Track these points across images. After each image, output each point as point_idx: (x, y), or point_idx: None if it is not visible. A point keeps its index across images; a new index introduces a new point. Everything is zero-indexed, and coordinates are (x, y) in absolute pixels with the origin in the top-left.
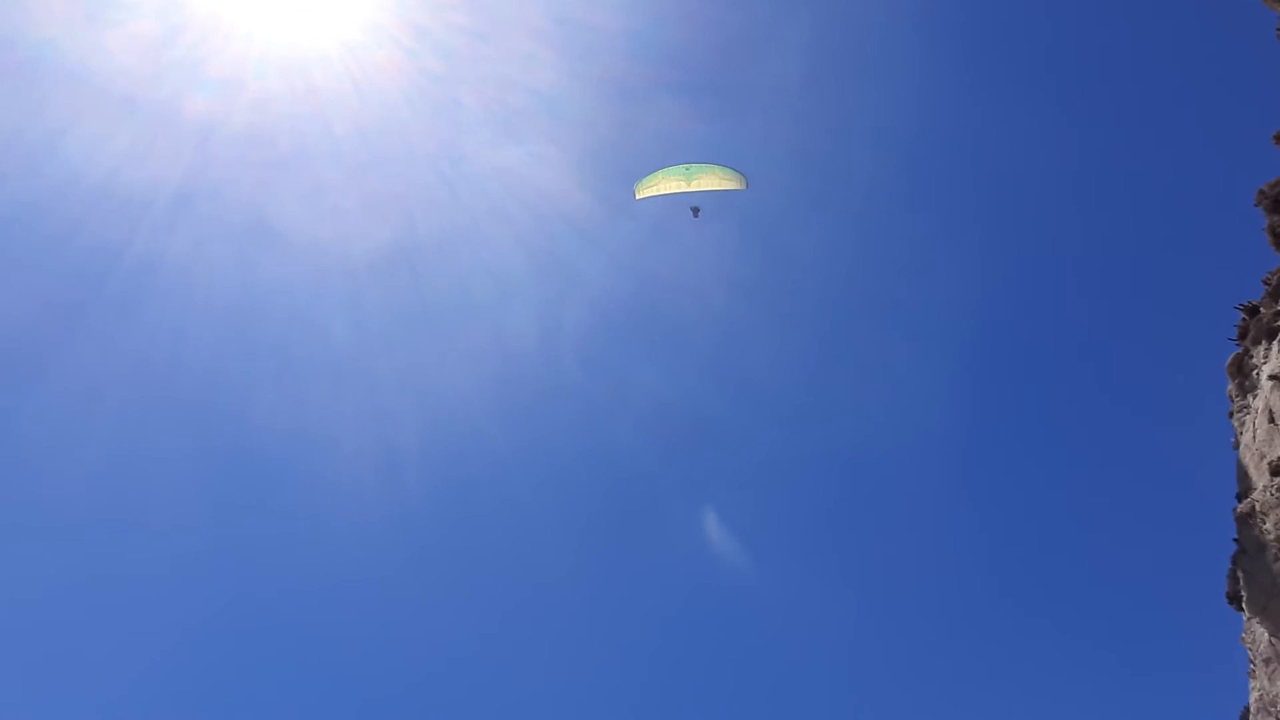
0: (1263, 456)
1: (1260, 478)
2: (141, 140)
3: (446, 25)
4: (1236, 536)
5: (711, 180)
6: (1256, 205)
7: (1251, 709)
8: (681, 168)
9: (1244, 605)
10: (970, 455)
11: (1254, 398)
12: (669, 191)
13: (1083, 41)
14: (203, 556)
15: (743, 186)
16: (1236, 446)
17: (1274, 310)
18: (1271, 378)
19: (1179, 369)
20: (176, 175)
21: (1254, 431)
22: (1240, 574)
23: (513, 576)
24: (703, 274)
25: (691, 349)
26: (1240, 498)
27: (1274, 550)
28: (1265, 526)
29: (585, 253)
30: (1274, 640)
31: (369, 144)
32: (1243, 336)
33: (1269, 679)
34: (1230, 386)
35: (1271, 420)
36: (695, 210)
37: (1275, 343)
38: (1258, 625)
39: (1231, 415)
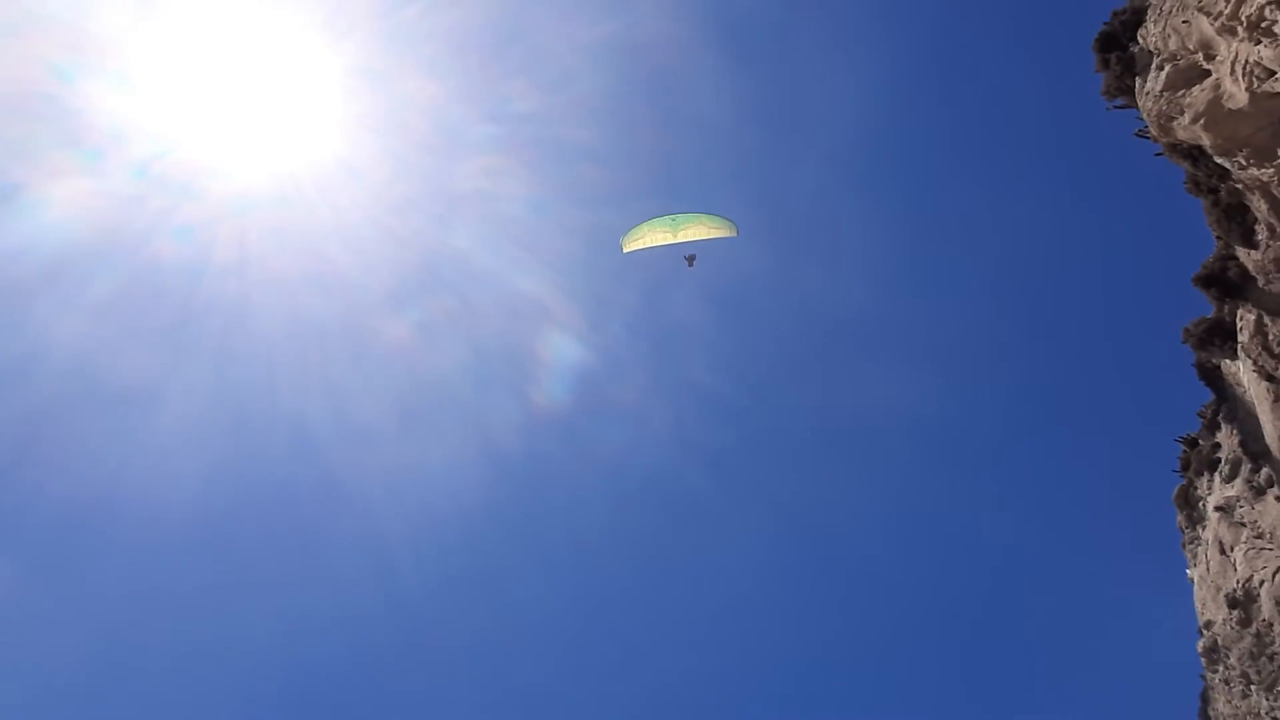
0: (1219, 589)
1: (1218, 611)
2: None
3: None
4: (1202, 672)
5: (700, 230)
6: (1184, 343)
7: None
8: (668, 219)
9: None
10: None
11: (1203, 529)
12: (657, 244)
13: (1012, 206)
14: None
15: (732, 234)
16: (1191, 579)
17: (1212, 442)
18: (1218, 509)
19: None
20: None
21: (1207, 564)
22: (1209, 712)
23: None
24: None
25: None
26: (1201, 631)
27: (1239, 686)
28: (1229, 661)
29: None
30: None
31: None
32: (1185, 468)
33: None
34: (1180, 518)
35: (1222, 552)
36: (690, 259)
37: (1217, 474)
38: None
39: (1184, 546)
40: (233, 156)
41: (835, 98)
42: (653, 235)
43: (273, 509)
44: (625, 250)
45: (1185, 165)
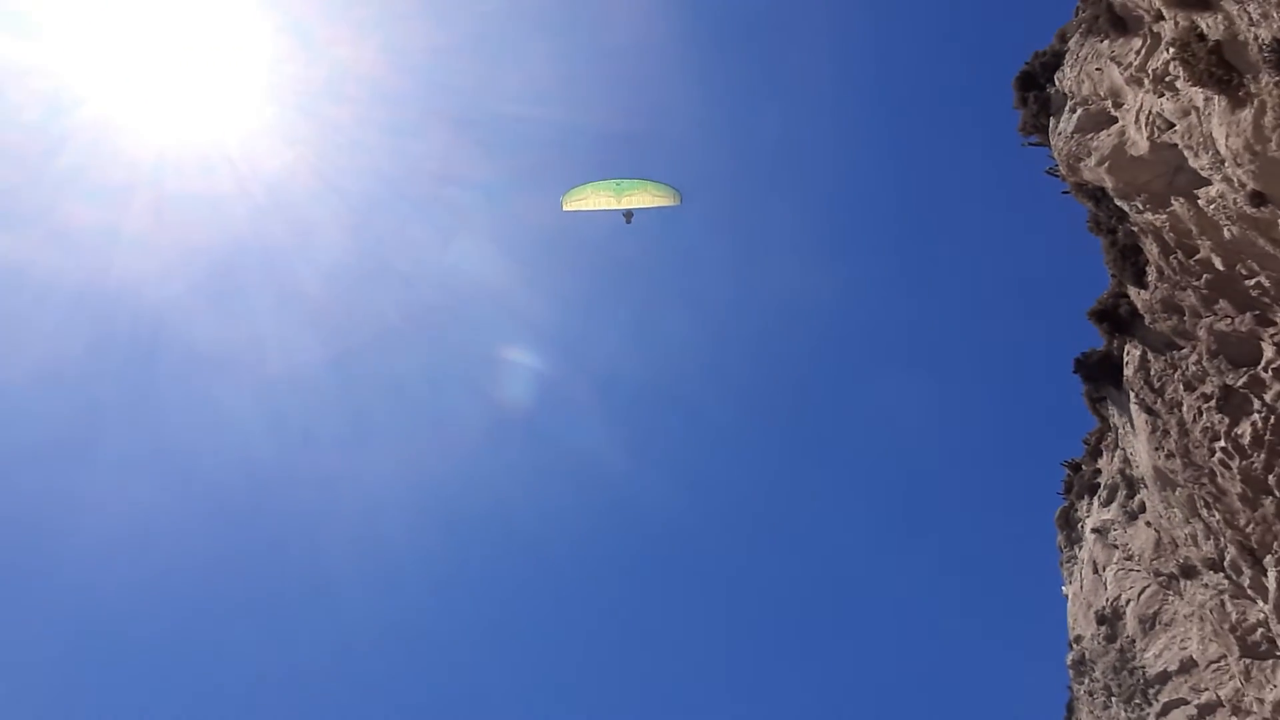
0: (1089, 606)
1: (1088, 626)
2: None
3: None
4: (1069, 684)
5: (644, 198)
6: (1075, 373)
7: None
8: (612, 183)
9: None
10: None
11: (1080, 549)
12: (598, 208)
13: (913, 212)
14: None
15: (676, 202)
16: (1065, 595)
17: (1094, 468)
18: (1094, 531)
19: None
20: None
21: (1081, 581)
22: None
23: None
24: None
25: None
26: (1071, 645)
27: (1101, 698)
28: (1094, 674)
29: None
30: None
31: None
32: (1068, 491)
33: None
34: (1059, 538)
35: (1095, 571)
36: (628, 216)
37: (1096, 498)
38: None
39: (1062, 565)
40: (153, 117)
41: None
42: (595, 198)
43: (188, 502)
44: (565, 209)
45: (1089, 205)
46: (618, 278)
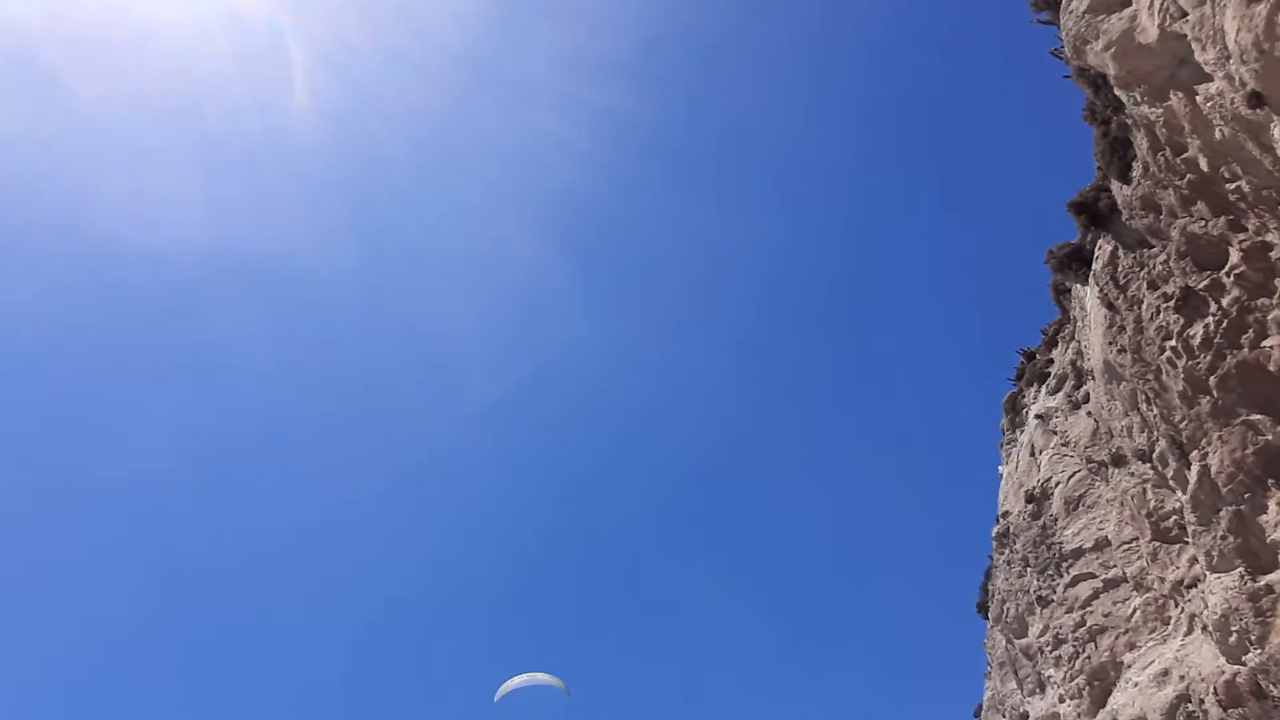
0: (1021, 485)
1: (1016, 503)
2: None
3: None
4: (991, 554)
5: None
6: (1046, 263)
7: (984, 706)
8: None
9: (988, 615)
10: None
11: (1021, 433)
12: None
13: (896, 87)
14: None
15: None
16: (1001, 475)
17: (1047, 358)
18: (1038, 417)
19: (963, 403)
20: None
21: (1017, 462)
22: (990, 587)
23: None
24: None
25: None
26: (999, 519)
27: (1018, 568)
28: (1015, 546)
29: None
30: (1009, 646)
31: None
32: (1019, 378)
33: (1001, 680)
34: (1004, 421)
35: (1032, 454)
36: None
37: (1044, 386)
38: (998, 633)
39: (1002, 446)
40: None
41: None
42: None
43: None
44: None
45: (1088, 92)
46: None
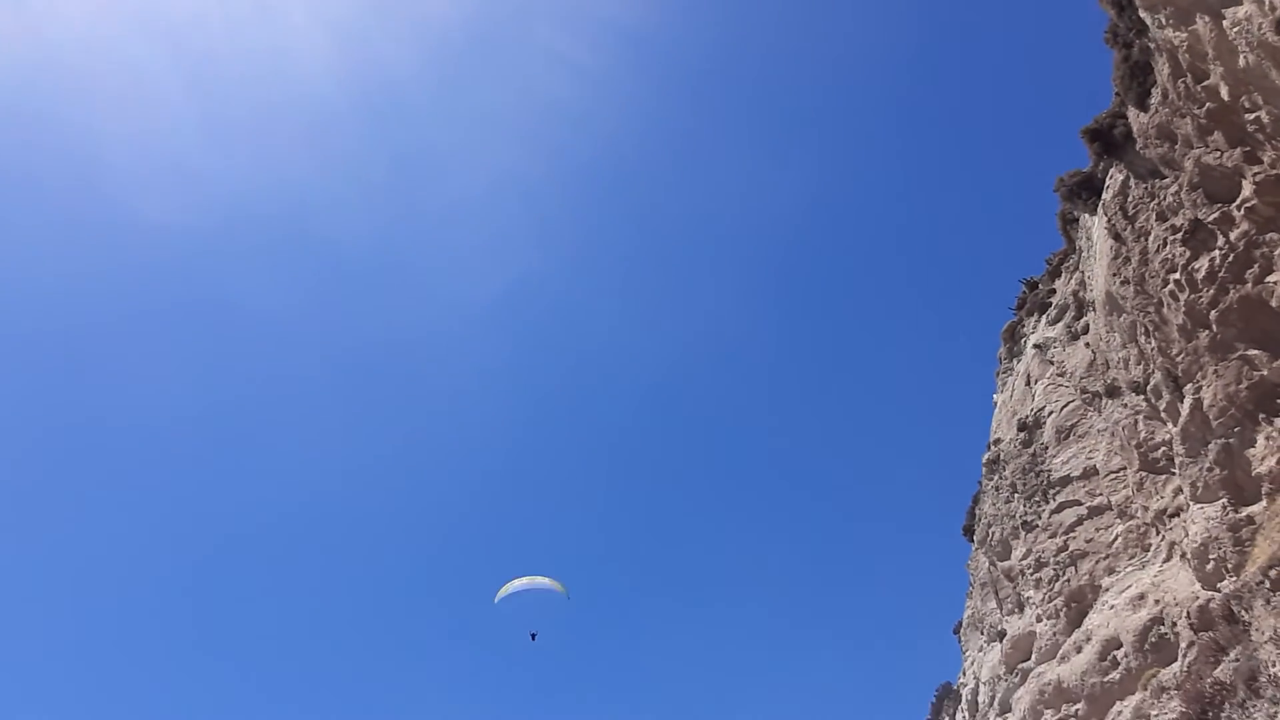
0: (1014, 413)
1: (1009, 431)
2: None
3: None
4: (980, 479)
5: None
6: (1055, 191)
7: (964, 623)
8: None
9: (974, 537)
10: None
11: (1018, 362)
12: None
13: (901, 35)
14: None
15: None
16: (995, 403)
17: (1050, 288)
18: (1036, 346)
19: (960, 333)
20: None
21: (1012, 391)
22: (977, 511)
23: None
24: None
25: None
26: (990, 446)
27: (1005, 493)
28: (1004, 473)
29: None
30: (992, 568)
31: None
32: (1020, 308)
33: (982, 600)
34: (1001, 349)
35: (1028, 383)
36: (533, 635)
37: (1044, 316)
38: (982, 555)
39: (998, 375)
40: None
41: None
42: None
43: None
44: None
45: (1112, 13)
46: None
